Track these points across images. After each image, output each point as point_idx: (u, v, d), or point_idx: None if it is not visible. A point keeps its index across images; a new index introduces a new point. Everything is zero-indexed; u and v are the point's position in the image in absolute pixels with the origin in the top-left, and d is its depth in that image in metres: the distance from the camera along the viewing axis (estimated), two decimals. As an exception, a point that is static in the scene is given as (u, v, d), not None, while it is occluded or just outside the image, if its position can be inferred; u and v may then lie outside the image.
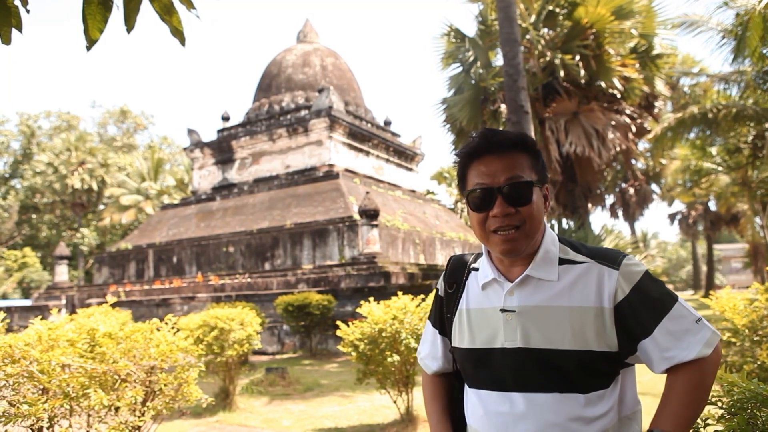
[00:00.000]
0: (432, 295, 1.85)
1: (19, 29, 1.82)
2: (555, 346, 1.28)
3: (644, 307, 1.27)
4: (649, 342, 1.26)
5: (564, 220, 15.25)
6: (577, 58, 13.27)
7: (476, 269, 1.47)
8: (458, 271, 1.52)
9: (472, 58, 14.41)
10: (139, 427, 2.92)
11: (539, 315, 1.31)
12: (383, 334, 4.84)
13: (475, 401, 1.41)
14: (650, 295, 1.29)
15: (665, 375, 1.30)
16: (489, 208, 1.33)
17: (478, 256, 1.50)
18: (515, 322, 1.32)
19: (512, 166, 1.33)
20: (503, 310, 1.34)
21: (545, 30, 13.89)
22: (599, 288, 1.29)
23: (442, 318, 1.53)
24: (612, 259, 1.32)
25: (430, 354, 1.59)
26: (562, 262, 1.35)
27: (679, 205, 39.19)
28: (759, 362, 3.21)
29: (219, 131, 20.72)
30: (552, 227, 12.33)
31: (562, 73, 13.07)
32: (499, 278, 1.38)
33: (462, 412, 1.49)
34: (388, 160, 20.70)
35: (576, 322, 1.28)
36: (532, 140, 1.40)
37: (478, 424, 1.39)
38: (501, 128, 13.76)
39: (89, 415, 2.78)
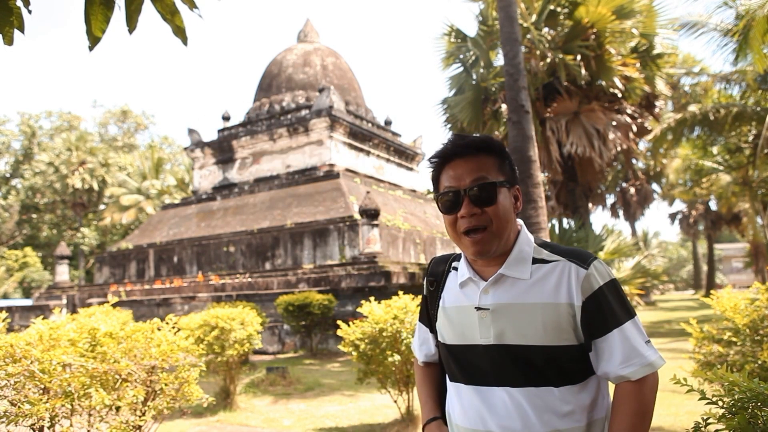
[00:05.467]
0: None
1: (21, 29, 1.82)
2: (527, 342, 1.33)
3: (606, 309, 1.32)
4: (604, 342, 1.31)
5: (565, 220, 15.24)
6: (578, 57, 13.26)
7: (456, 269, 1.52)
8: (437, 270, 1.57)
9: (473, 58, 14.40)
10: (140, 427, 2.92)
11: (512, 312, 1.35)
12: (384, 334, 4.84)
13: (455, 395, 1.46)
14: (615, 298, 1.34)
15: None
16: (457, 209, 1.39)
17: (459, 255, 1.55)
18: (489, 319, 1.37)
19: (477, 168, 1.38)
20: (478, 308, 1.38)
21: (546, 29, 13.88)
22: (569, 284, 1.33)
23: (429, 315, 1.60)
24: (583, 258, 1.36)
25: (419, 344, 1.67)
26: (535, 261, 1.39)
27: (679, 205, 39.22)
28: (760, 362, 3.20)
29: (219, 131, 20.71)
30: (552, 227, 12.32)
31: (563, 73, 13.06)
32: (474, 277, 1.43)
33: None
34: (388, 160, 20.68)
35: (547, 318, 1.32)
36: (499, 143, 1.44)
37: (457, 417, 1.44)
38: (502, 129, 13.84)
39: (90, 415, 2.78)
